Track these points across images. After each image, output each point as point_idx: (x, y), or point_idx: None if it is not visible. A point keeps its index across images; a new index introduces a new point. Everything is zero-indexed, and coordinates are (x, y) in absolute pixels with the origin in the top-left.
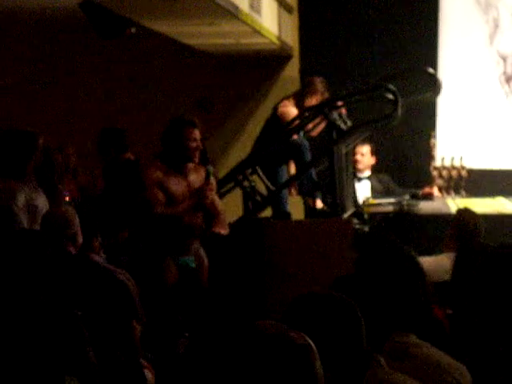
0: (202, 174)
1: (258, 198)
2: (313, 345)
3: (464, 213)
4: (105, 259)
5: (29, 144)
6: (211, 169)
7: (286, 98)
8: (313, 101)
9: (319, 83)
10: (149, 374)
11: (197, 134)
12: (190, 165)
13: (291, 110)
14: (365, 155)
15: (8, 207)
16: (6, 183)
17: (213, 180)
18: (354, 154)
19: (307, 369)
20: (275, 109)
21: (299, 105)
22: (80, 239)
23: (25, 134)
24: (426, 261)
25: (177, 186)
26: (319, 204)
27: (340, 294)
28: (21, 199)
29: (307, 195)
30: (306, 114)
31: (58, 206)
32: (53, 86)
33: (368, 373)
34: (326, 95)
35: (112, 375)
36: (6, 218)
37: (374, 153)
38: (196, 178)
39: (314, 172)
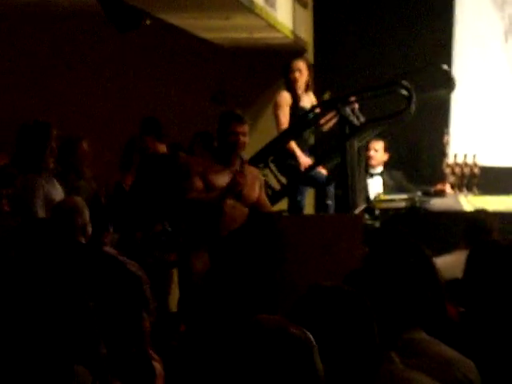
0: (252, 170)
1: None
2: (313, 339)
3: (478, 211)
4: (116, 251)
5: (43, 136)
6: (244, 156)
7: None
8: (293, 76)
9: (297, 59)
10: (158, 366)
11: (243, 128)
12: (237, 160)
13: (282, 95)
14: (378, 151)
15: (28, 202)
16: (24, 177)
17: (261, 180)
18: (367, 149)
19: (307, 363)
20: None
21: (288, 87)
22: (90, 230)
23: (38, 125)
24: (439, 259)
25: (220, 177)
26: None
27: (350, 287)
28: (40, 193)
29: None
30: (318, 109)
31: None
32: (68, 79)
33: (381, 369)
34: (305, 73)
35: (121, 366)
36: (26, 212)
37: (387, 149)
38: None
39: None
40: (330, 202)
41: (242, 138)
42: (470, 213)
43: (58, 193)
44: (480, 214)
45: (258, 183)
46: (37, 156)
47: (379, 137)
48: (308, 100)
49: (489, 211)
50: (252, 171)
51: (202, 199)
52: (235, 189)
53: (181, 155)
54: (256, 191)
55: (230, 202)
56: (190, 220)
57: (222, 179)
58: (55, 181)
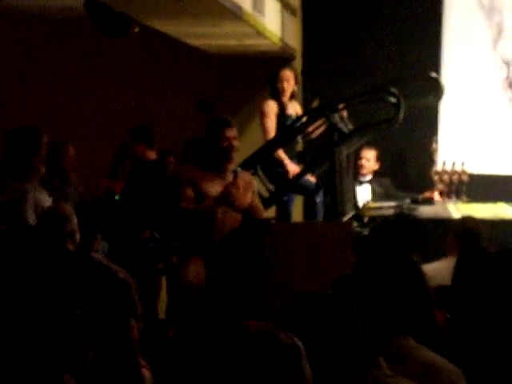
0: (245, 175)
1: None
2: (301, 345)
3: (466, 218)
4: (104, 257)
5: (32, 141)
6: (239, 170)
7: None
8: (281, 85)
9: (285, 69)
10: (146, 373)
11: (231, 133)
12: (230, 166)
13: (269, 104)
14: (370, 160)
15: (18, 209)
16: (14, 183)
17: (254, 185)
18: (359, 158)
19: (295, 369)
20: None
21: (273, 95)
22: (78, 237)
23: (28, 131)
24: (428, 265)
25: (211, 185)
26: None
27: (336, 294)
28: (30, 200)
29: None
30: (306, 118)
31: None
32: (55, 85)
33: (368, 375)
34: (292, 82)
35: (110, 374)
36: (16, 219)
37: (378, 158)
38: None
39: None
40: (318, 199)
41: (233, 142)
42: (459, 220)
43: (46, 199)
44: (468, 221)
45: (250, 189)
46: (26, 162)
47: (371, 145)
48: (292, 108)
49: (477, 218)
50: (245, 176)
51: (193, 209)
52: (228, 200)
53: (170, 162)
54: (248, 197)
55: (221, 208)
56: (181, 228)
57: (214, 188)
58: (42, 187)
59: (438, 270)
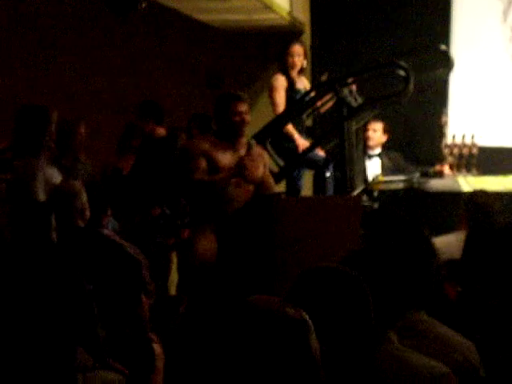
0: (257, 149)
1: None
2: (309, 320)
3: (476, 192)
4: (114, 234)
5: (42, 119)
6: (253, 142)
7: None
8: (291, 60)
9: (294, 43)
10: (157, 348)
11: (243, 107)
12: (242, 140)
13: (278, 78)
14: (377, 131)
15: (28, 185)
16: (24, 161)
17: (266, 159)
18: (366, 129)
19: (302, 343)
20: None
21: (283, 70)
22: (88, 213)
23: (38, 108)
24: (439, 239)
25: (224, 158)
26: None
27: (346, 268)
28: (40, 177)
29: None
30: (314, 92)
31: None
32: (63, 62)
33: (379, 349)
34: (302, 57)
35: (121, 349)
36: (27, 196)
37: (386, 131)
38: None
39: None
40: (328, 174)
41: (245, 117)
42: (469, 194)
43: (56, 176)
44: (479, 195)
45: (262, 162)
46: (36, 140)
47: (378, 118)
48: (301, 83)
49: (488, 191)
50: (257, 151)
51: (207, 181)
52: (242, 172)
53: (182, 139)
54: (261, 170)
55: (234, 180)
56: (194, 200)
57: (227, 159)
58: (53, 165)
59: (449, 243)
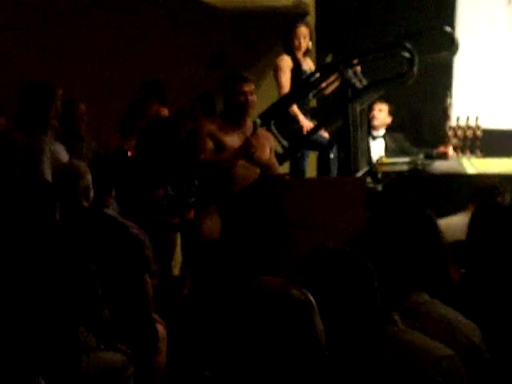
0: (263, 132)
1: None
2: (313, 301)
3: (481, 178)
4: (119, 214)
5: (47, 95)
6: (259, 121)
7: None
8: (297, 42)
9: (300, 25)
10: (161, 329)
11: (250, 87)
12: (248, 120)
13: (284, 59)
14: (382, 111)
15: (35, 162)
16: (30, 137)
17: (272, 142)
18: (371, 109)
19: (307, 324)
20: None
21: (288, 51)
22: (92, 193)
23: (42, 85)
24: (443, 221)
25: (231, 138)
26: None
27: (351, 249)
28: (46, 153)
29: None
30: (319, 73)
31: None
32: (67, 42)
33: (383, 330)
34: (307, 39)
35: (125, 329)
36: (34, 172)
37: (391, 112)
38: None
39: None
40: (332, 155)
41: (250, 97)
42: (481, 177)
43: (62, 152)
44: (484, 180)
45: (268, 145)
46: (42, 116)
47: (384, 100)
48: (306, 64)
49: (493, 175)
50: (263, 133)
51: (213, 161)
52: (249, 151)
53: (187, 119)
54: (267, 152)
55: (241, 162)
56: (200, 181)
57: (233, 140)
58: (59, 142)
59: (454, 225)
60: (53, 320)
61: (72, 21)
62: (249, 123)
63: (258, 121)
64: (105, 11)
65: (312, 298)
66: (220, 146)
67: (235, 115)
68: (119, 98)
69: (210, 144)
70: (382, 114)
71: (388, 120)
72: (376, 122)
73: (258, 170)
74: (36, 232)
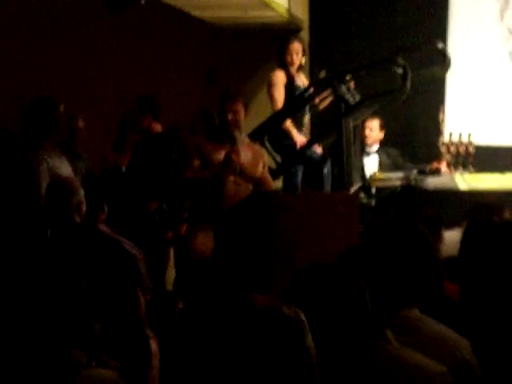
0: (256, 148)
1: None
2: (304, 319)
3: (479, 193)
4: (110, 230)
5: (49, 111)
6: (238, 136)
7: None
8: (290, 58)
9: (293, 41)
10: (153, 345)
11: (234, 106)
12: (238, 137)
13: (277, 74)
14: (373, 130)
15: (32, 176)
16: (30, 152)
17: (265, 158)
18: (362, 128)
19: (298, 342)
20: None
21: (282, 66)
22: (84, 209)
23: (45, 100)
24: None
25: (218, 155)
26: None
27: (343, 265)
28: (44, 168)
29: None
30: (313, 89)
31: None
32: (62, 57)
33: (376, 347)
34: (300, 54)
35: (117, 345)
36: (30, 186)
37: (382, 127)
38: (243, 150)
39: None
40: (325, 171)
41: (233, 116)
42: (477, 195)
43: (63, 165)
44: (487, 197)
45: (261, 161)
46: (43, 131)
47: (374, 115)
48: (300, 80)
49: (486, 192)
50: (256, 149)
51: (197, 177)
52: (230, 166)
53: (182, 135)
54: (259, 169)
55: (231, 178)
56: (190, 198)
57: (218, 155)
58: (63, 156)
59: (449, 240)
60: (45, 336)
61: (67, 36)
62: (239, 139)
63: (238, 136)
64: (99, 27)
65: (303, 317)
66: (207, 163)
67: (221, 132)
68: (115, 115)
69: (196, 162)
70: (373, 133)
71: (381, 135)
72: (369, 141)
73: (250, 186)
74: (27, 248)
